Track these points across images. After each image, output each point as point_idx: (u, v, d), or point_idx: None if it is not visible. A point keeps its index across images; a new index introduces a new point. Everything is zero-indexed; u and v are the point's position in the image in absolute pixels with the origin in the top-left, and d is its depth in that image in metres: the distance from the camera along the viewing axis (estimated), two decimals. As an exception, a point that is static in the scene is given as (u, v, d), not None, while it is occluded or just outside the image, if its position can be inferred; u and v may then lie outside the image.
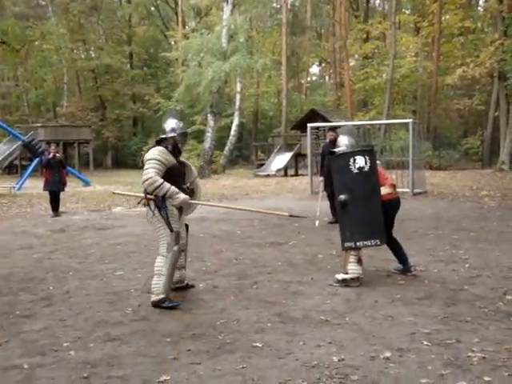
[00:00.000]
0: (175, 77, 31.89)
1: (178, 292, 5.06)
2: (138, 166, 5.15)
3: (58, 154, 11.89)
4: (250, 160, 32.10)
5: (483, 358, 3.36)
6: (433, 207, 11.55)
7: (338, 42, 34.06)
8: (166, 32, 39.07)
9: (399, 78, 30.94)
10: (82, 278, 5.81)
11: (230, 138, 27.48)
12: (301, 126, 26.45)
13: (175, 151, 4.88)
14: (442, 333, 3.83)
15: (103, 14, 38.88)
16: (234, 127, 27.60)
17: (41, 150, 20.23)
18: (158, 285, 4.64)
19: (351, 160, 5.18)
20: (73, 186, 17.31)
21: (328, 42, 42.59)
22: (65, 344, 3.83)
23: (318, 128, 17.26)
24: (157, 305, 4.62)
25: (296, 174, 24.36)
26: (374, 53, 34.05)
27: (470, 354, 3.42)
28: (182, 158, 5.05)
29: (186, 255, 5.17)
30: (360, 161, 5.16)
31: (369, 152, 5.28)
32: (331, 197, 9.52)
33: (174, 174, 4.80)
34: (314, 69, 52.55)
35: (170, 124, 4.91)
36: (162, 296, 4.62)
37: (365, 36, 35.12)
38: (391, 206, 5.52)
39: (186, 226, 5.19)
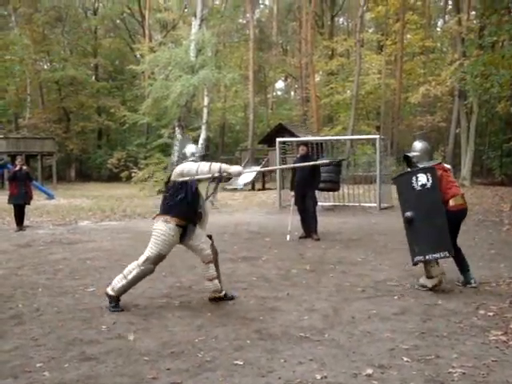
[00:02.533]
0: (142, 90, 31.68)
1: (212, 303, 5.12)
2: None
3: (24, 167, 11.63)
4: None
5: (463, 373, 3.39)
6: (400, 222, 11.66)
7: (304, 58, 34.54)
8: (132, 45, 38.87)
9: (364, 95, 31.54)
10: (52, 294, 5.65)
11: (197, 151, 27.35)
12: (268, 140, 26.65)
13: None
14: (420, 348, 3.86)
15: (68, 25, 38.50)
16: (201, 140, 27.46)
17: (2, 162, 19.73)
18: (119, 285, 4.95)
19: (413, 178, 5.50)
20: (35, 199, 16.92)
21: (294, 57, 43.15)
22: (38, 365, 3.69)
23: (285, 143, 17.40)
24: (107, 296, 4.98)
25: (263, 188, 24.41)
26: (339, 69, 34.60)
27: (450, 369, 3.45)
28: None
29: (218, 266, 5.33)
30: (422, 178, 5.45)
31: (430, 170, 5.50)
32: (302, 211, 9.62)
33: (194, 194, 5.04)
34: (280, 84, 53.08)
35: (190, 149, 5.30)
36: (114, 294, 4.96)
37: (330, 53, 35.73)
38: (459, 216, 5.68)
39: (209, 236, 5.27)
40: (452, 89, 24.76)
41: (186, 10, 31.17)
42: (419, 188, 5.46)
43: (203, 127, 27.86)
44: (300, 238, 9.47)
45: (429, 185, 5.41)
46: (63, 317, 4.82)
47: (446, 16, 39.12)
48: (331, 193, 14.68)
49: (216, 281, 5.20)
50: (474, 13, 24.51)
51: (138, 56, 37.27)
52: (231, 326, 4.47)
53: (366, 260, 7.39)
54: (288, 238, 8.71)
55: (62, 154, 35.42)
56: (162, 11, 33.34)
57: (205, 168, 4.70)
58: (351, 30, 39.63)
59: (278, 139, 16.04)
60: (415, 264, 5.59)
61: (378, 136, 15.40)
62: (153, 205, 16.74)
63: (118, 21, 41.45)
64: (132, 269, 4.94)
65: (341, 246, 8.63)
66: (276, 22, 39.59)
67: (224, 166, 4.68)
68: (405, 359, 3.66)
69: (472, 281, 5.68)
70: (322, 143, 17.61)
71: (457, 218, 5.63)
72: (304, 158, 9.56)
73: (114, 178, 33.53)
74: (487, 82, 15.46)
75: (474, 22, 20.99)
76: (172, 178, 4.99)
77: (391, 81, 31.77)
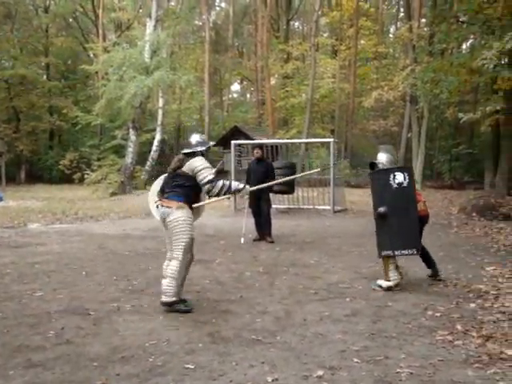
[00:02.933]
0: (95, 90, 31.12)
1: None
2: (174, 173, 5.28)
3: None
4: (172, 176, 31.70)
5: (410, 373, 3.46)
6: (354, 224, 11.91)
7: (260, 61, 34.71)
8: (86, 44, 38.11)
9: (318, 98, 31.92)
10: (-2, 299, 5.48)
11: (152, 153, 27.09)
12: (223, 142, 26.63)
13: None
14: (370, 349, 3.93)
15: (18, 22, 37.40)
16: (155, 142, 27.26)
17: None
18: (170, 287, 4.92)
19: (391, 176, 5.76)
20: (-17, 202, 16.39)
21: (250, 60, 43.31)
22: (-19, 372, 3.58)
23: (240, 145, 17.44)
24: (167, 305, 4.96)
25: (218, 191, 24.29)
26: (294, 73, 34.91)
27: (398, 370, 3.52)
28: None
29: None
30: (399, 177, 5.72)
31: (407, 169, 5.88)
32: (257, 214, 9.65)
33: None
34: (236, 86, 53.14)
35: (195, 138, 5.39)
36: (174, 299, 4.95)
37: (285, 56, 36.03)
38: (424, 220, 6.12)
39: None
40: (404, 94, 25.30)
41: (140, 11, 30.82)
42: (396, 186, 5.72)
43: (158, 129, 27.64)
44: (254, 240, 9.52)
45: (405, 183, 5.69)
46: (9, 323, 4.67)
47: (398, 23, 40.07)
48: (286, 196, 14.77)
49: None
50: (424, 20, 25.17)
51: (92, 56, 36.61)
52: (183, 330, 4.44)
53: (319, 262, 7.47)
54: (242, 240, 8.71)
55: (12, 155, 34.39)
56: (116, 11, 32.77)
57: (209, 177, 5.03)
58: (306, 34, 40.08)
59: (233, 142, 16.03)
60: (382, 257, 5.82)
61: (331, 139, 15.58)
62: (106, 207, 16.47)
63: (70, 19, 40.55)
64: (175, 268, 4.93)
65: (295, 249, 8.69)
66: (232, 24, 39.65)
67: (235, 186, 5.24)
68: (355, 360, 3.71)
69: (440, 273, 6.24)
70: (276, 146, 17.73)
71: (422, 222, 5.98)
72: (259, 161, 9.66)
73: (66, 179, 32.74)
74: (437, 88, 15.88)
75: (425, 29, 21.52)
76: (184, 169, 5.09)
77: (345, 85, 32.28)
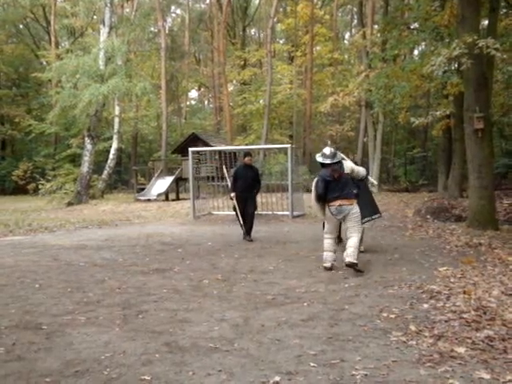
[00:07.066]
0: (48, 98, 30.50)
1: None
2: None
3: None
4: (130, 184, 31.39)
5: (365, 375, 3.51)
6: (312, 229, 12.01)
7: (217, 67, 34.71)
8: (38, 52, 37.33)
9: (276, 104, 32.10)
10: None
11: (109, 161, 26.71)
12: (182, 149, 26.45)
13: None
14: (327, 353, 3.96)
15: (-35, 29, 36.38)
16: (112, 151, 26.89)
17: None
18: (354, 254, 6.80)
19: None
20: None
21: (207, 67, 43.25)
22: None
23: (199, 152, 17.38)
24: (351, 265, 6.76)
25: (177, 199, 24.19)
26: (251, 79, 35.07)
27: (353, 372, 3.56)
28: None
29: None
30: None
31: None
32: (242, 215, 10.61)
33: None
34: (194, 93, 52.97)
35: (327, 151, 7.23)
36: (356, 261, 6.77)
37: (242, 63, 36.17)
38: None
39: None
40: (359, 99, 25.73)
41: (94, 17, 30.42)
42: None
43: (115, 137, 27.29)
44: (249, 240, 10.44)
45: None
46: (-43, 340, 4.51)
47: (353, 30, 40.79)
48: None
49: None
50: (376, 27, 25.69)
51: (45, 63, 35.86)
52: (140, 341, 4.38)
53: (277, 268, 7.50)
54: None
55: (-39, 166, 33.41)
56: (68, 17, 32.22)
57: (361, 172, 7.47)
58: (263, 41, 40.30)
59: (190, 149, 15.97)
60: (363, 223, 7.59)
61: (289, 145, 15.70)
62: (62, 217, 16.13)
63: (20, 26, 39.62)
64: (356, 240, 6.91)
65: (253, 255, 8.71)
66: (188, 31, 39.55)
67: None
68: (312, 364, 3.73)
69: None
70: (235, 152, 17.75)
71: None
72: (247, 167, 10.78)
73: (20, 190, 31.97)
74: (390, 93, 16.23)
75: (378, 36, 21.94)
76: (348, 170, 7.11)
77: (302, 91, 32.59)
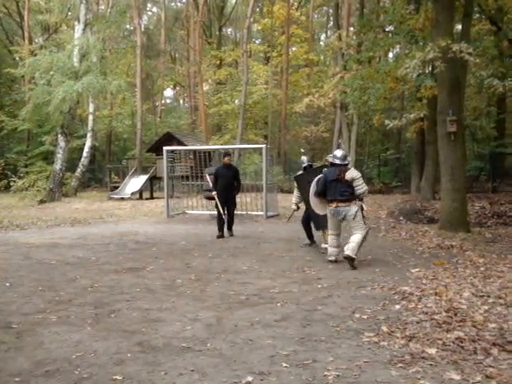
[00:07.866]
0: (21, 95, 29.99)
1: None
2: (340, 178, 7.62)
3: None
4: (104, 182, 31.04)
5: (337, 376, 3.53)
6: (285, 230, 12.05)
7: (193, 66, 34.58)
8: (11, 47, 36.64)
9: (251, 104, 32.11)
10: None
11: (83, 159, 26.38)
12: (156, 148, 26.25)
13: None
14: (299, 354, 3.97)
15: None
16: (86, 149, 26.57)
17: None
18: (354, 249, 7.24)
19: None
20: None
21: (183, 66, 43.03)
22: None
23: (173, 151, 17.28)
24: (349, 258, 7.23)
25: (151, 197, 24.01)
26: (227, 79, 35.01)
27: (325, 373, 3.58)
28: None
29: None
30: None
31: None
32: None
33: None
34: (169, 92, 52.64)
35: (339, 152, 7.84)
36: (354, 256, 7.23)
37: (218, 62, 36.08)
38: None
39: None
40: (334, 100, 25.87)
41: (69, 14, 30.01)
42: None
43: (89, 135, 26.98)
44: (218, 237, 10.81)
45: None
46: None
47: (328, 31, 41.02)
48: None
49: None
50: (352, 29, 25.88)
51: (18, 59, 35.22)
52: (112, 340, 4.35)
53: (251, 268, 7.51)
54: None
55: None
56: (42, 13, 31.66)
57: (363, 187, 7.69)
58: (239, 41, 40.27)
59: (165, 148, 15.87)
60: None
61: (264, 145, 15.72)
62: (34, 215, 15.88)
63: (-7, 20, 38.83)
64: (359, 238, 7.37)
65: (227, 255, 8.70)
66: (164, 29, 39.27)
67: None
68: (284, 365, 3.75)
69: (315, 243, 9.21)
70: (209, 152, 17.71)
71: None
72: (227, 166, 11.22)
73: (-10, 187, 31.32)
74: (365, 95, 16.35)
75: (353, 38, 22.08)
76: (348, 177, 7.44)
77: (278, 91, 32.66)
